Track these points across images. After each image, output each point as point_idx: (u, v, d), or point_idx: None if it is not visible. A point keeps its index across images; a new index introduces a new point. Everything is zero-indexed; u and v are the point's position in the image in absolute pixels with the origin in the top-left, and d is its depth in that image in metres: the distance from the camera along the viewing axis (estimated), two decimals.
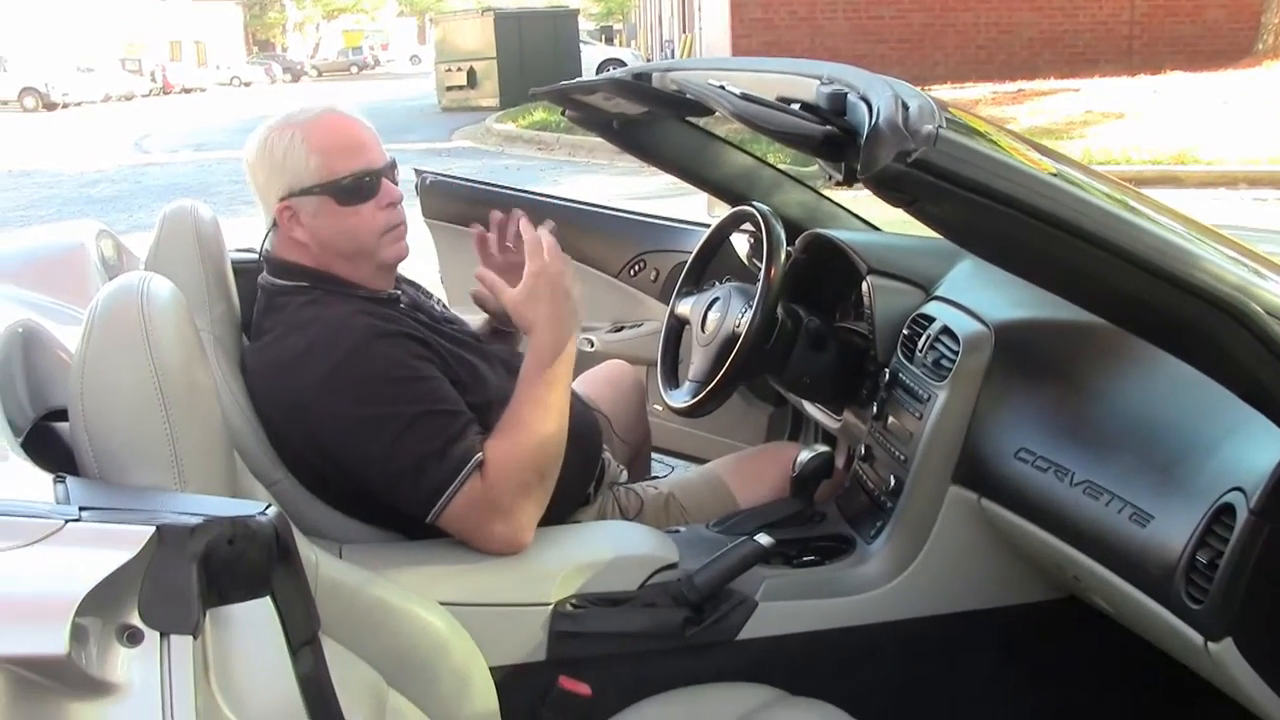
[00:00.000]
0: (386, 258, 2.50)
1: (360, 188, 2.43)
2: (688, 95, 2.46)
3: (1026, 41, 21.17)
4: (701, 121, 3.36)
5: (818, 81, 1.80)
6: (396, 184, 2.51)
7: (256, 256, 2.60)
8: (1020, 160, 1.64)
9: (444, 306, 2.78)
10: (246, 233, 2.72)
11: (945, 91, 17.94)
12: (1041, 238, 1.59)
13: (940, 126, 1.55)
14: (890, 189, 1.57)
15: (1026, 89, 18.01)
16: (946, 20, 21.31)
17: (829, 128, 1.67)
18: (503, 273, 2.51)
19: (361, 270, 2.50)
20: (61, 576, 1.11)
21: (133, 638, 1.13)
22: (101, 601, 1.10)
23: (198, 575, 1.15)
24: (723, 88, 2.01)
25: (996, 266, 1.91)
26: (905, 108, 1.57)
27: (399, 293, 2.58)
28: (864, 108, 1.62)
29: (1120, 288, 1.64)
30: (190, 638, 1.14)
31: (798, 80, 1.93)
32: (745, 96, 1.89)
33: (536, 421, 2.38)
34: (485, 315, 2.92)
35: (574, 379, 2.86)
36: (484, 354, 2.62)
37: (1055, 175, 1.65)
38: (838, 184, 1.73)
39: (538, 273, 2.40)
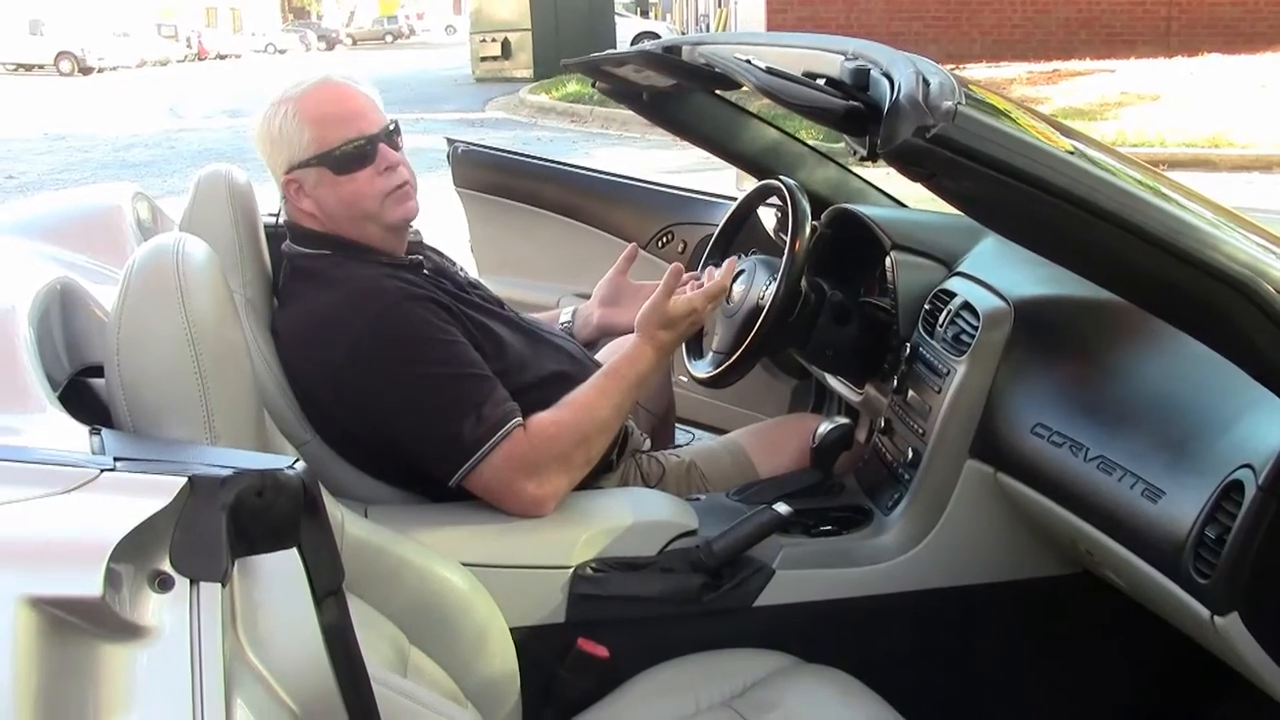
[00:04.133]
0: (391, 220, 2.53)
1: (355, 156, 2.47)
2: (715, 69, 2.49)
3: (1063, 21, 20.98)
4: (732, 97, 3.37)
5: (842, 57, 1.83)
6: (399, 147, 2.54)
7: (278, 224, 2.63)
8: (1037, 137, 1.66)
9: (466, 273, 2.82)
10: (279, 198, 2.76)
11: (981, 70, 17.82)
12: (1056, 213, 1.61)
13: (959, 103, 1.58)
14: (909, 163, 1.60)
15: (1062, 69, 17.87)
16: None
17: (851, 102, 1.70)
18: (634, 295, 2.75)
19: (370, 234, 2.53)
20: (97, 523, 1.13)
21: (164, 584, 1.15)
22: (134, 548, 1.12)
23: (227, 525, 1.18)
24: (749, 62, 2.04)
25: (1013, 242, 1.94)
26: (926, 84, 1.60)
27: (421, 258, 2.61)
28: (886, 83, 1.65)
29: (1133, 264, 1.66)
30: (219, 585, 1.16)
31: (823, 56, 1.95)
32: (770, 71, 1.92)
33: (602, 410, 2.49)
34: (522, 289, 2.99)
35: (602, 349, 2.90)
36: (507, 321, 2.66)
37: (1072, 153, 1.67)
38: (862, 159, 1.76)
39: (696, 311, 2.58)
